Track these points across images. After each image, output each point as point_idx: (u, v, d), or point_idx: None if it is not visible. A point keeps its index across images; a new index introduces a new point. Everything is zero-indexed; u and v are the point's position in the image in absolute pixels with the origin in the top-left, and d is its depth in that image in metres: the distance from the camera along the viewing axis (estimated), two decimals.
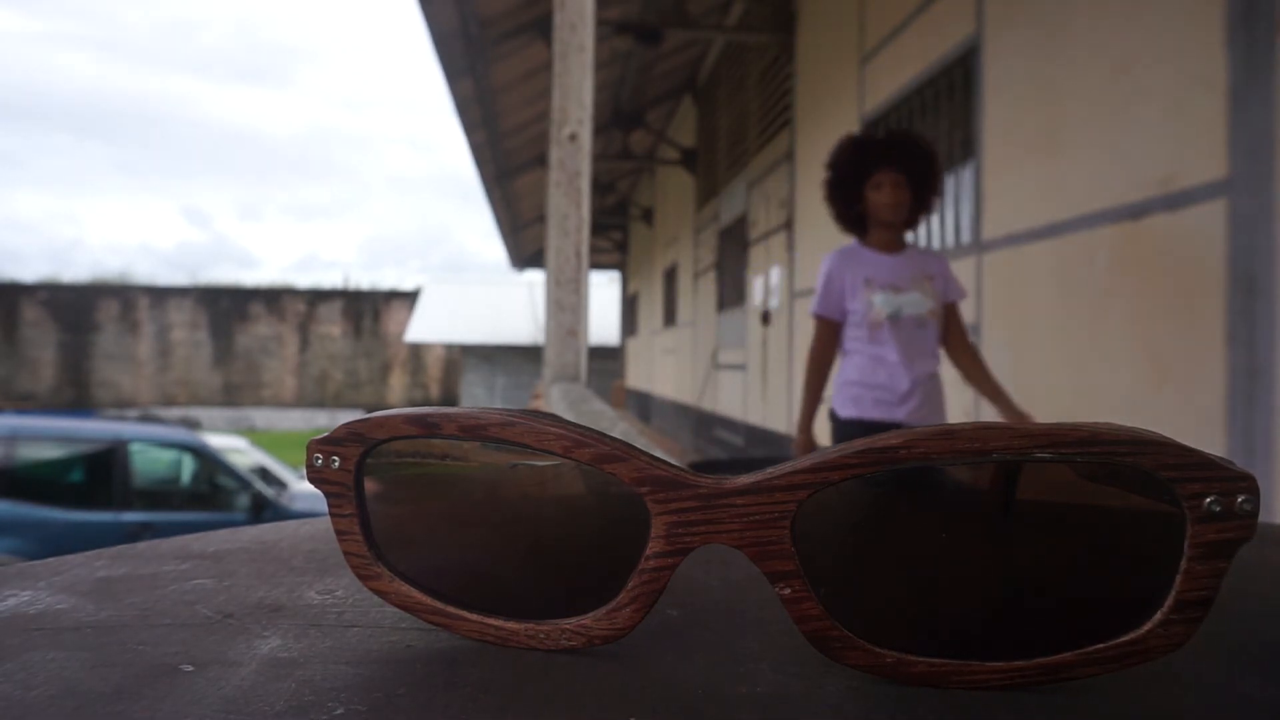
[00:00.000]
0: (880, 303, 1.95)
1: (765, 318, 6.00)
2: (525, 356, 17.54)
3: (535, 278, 16.83)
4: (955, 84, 3.31)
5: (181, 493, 5.98)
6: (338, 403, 20.40)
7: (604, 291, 17.56)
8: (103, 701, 0.20)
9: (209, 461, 5.94)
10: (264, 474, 6.35)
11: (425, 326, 18.32)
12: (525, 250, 13.33)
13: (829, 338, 2.05)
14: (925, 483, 0.22)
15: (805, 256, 5.19)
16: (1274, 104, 1.80)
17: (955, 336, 2.03)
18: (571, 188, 2.71)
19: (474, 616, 0.25)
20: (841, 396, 2.02)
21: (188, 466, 5.98)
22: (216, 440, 6.81)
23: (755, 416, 6.29)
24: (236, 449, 6.84)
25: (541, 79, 5.30)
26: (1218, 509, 0.20)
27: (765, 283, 6.01)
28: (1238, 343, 1.88)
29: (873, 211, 1.98)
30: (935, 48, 3.47)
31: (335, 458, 0.25)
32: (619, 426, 2.12)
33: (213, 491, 5.94)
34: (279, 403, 20.47)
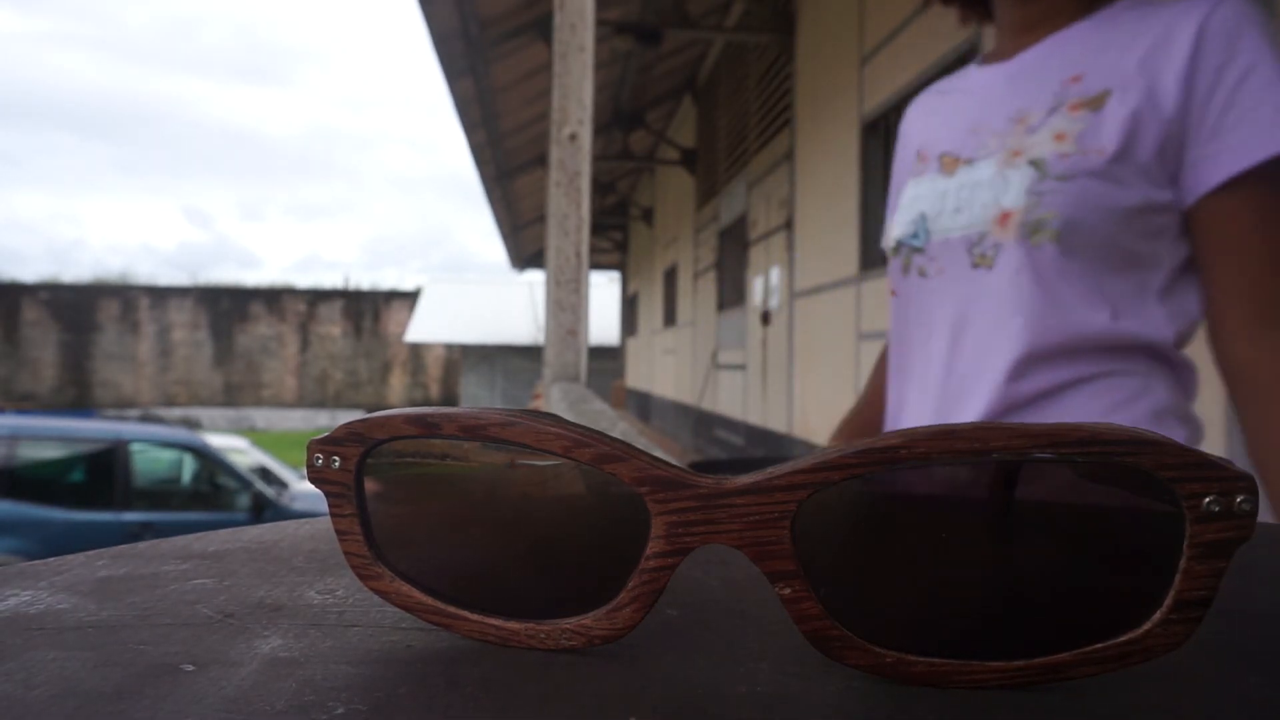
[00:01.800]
0: (903, 214, 0.84)
1: (765, 318, 6.00)
2: (525, 356, 17.54)
3: (535, 278, 16.83)
4: None
5: (182, 493, 5.99)
6: (338, 403, 20.40)
7: (604, 291, 17.57)
8: (104, 701, 0.20)
9: (209, 461, 5.95)
10: (264, 474, 6.36)
11: (425, 326, 18.33)
12: (525, 250, 13.34)
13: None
14: (925, 482, 0.22)
15: (805, 256, 5.19)
16: None
17: (1222, 307, 0.70)
18: (571, 188, 2.71)
19: (474, 616, 0.25)
20: None
21: (188, 466, 5.99)
22: (217, 440, 6.82)
23: (755, 416, 6.29)
24: (237, 449, 6.85)
25: (541, 79, 5.30)
26: (1217, 509, 0.20)
27: (765, 283, 6.01)
28: None
29: None
30: (935, 48, 3.47)
31: (335, 458, 0.25)
32: (619, 426, 2.12)
33: (213, 491, 5.95)
34: (279, 403, 20.48)
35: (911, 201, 0.83)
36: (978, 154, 0.78)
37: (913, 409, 0.84)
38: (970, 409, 0.76)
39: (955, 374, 0.78)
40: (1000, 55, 0.84)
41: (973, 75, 0.86)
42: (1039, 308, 0.72)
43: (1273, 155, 0.66)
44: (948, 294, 0.79)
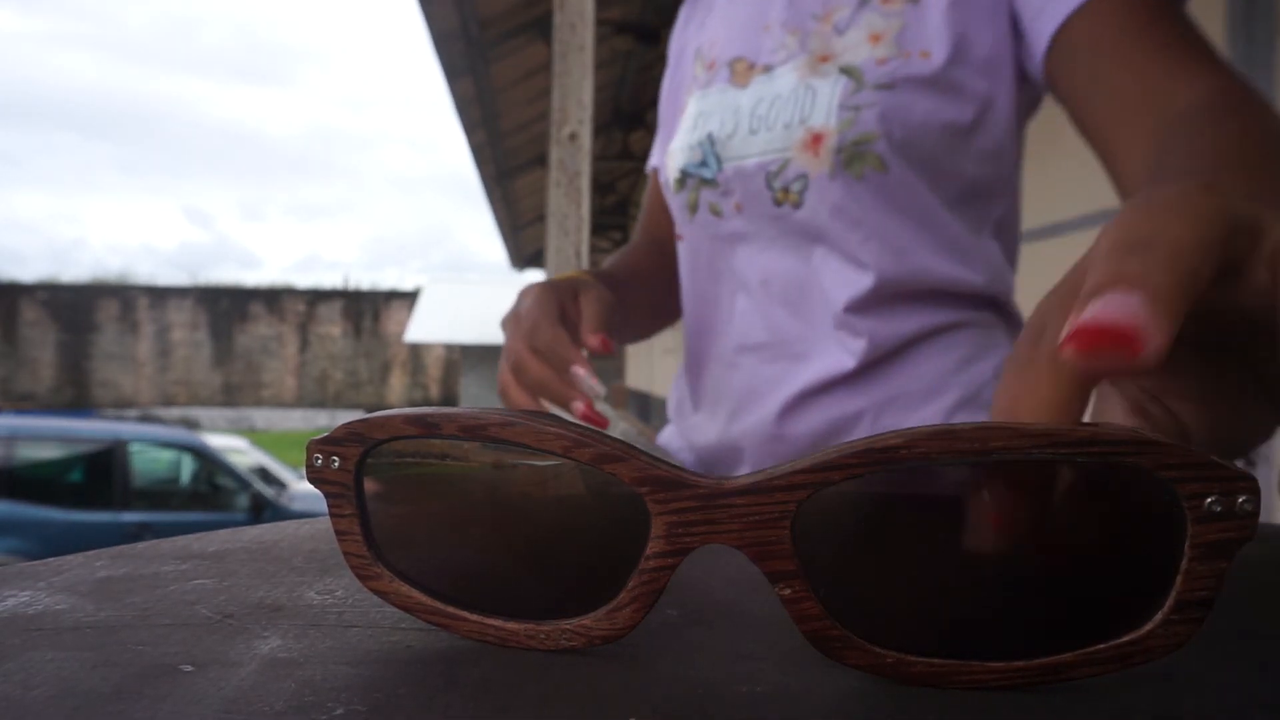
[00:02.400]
0: (685, 136, 0.69)
1: None
2: None
3: (535, 278, 16.81)
4: None
5: (181, 493, 5.99)
6: (338, 403, 20.40)
7: None
8: (103, 701, 0.20)
9: (209, 462, 5.95)
10: (264, 474, 6.35)
11: (425, 326, 18.32)
12: (525, 250, 13.33)
13: (646, 216, 0.84)
14: (925, 482, 0.22)
15: None
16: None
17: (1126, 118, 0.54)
18: (571, 188, 2.71)
19: (474, 617, 0.25)
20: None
21: (187, 467, 5.99)
22: (216, 440, 6.82)
23: None
24: (236, 449, 6.85)
25: (541, 79, 5.30)
26: (1218, 509, 0.20)
27: None
28: None
29: None
30: None
31: (335, 458, 0.25)
32: (619, 426, 2.12)
33: (212, 492, 5.95)
34: (279, 403, 20.48)
35: (697, 120, 0.67)
36: (776, 58, 0.64)
37: (727, 378, 0.68)
38: (800, 376, 0.63)
39: (776, 336, 0.64)
40: None
41: None
42: (869, 253, 0.60)
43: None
44: (749, 236, 0.65)
